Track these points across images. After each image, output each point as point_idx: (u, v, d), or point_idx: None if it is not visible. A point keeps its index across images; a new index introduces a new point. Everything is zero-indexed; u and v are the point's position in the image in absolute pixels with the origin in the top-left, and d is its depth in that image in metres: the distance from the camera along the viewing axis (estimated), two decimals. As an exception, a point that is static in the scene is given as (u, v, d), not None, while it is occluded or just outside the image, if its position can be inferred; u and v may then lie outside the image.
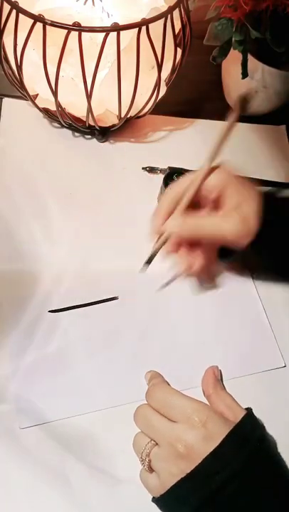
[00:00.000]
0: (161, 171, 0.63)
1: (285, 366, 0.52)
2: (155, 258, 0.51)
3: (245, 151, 0.68)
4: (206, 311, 0.54)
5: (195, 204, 0.49)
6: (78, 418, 0.47)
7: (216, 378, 0.48)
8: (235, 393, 0.48)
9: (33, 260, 0.55)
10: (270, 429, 0.46)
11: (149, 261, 0.51)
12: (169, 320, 0.53)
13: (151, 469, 0.41)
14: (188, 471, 0.38)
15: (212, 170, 0.48)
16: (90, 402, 0.47)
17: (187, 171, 0.59)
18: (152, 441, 0.42)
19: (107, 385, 0.49)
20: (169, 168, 0.62)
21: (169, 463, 0.40)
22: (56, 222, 0.58)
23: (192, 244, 0.51)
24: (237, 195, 0.48)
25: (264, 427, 0.45)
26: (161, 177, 0.60)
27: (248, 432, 0.41)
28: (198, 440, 0.40)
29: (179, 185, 0.49)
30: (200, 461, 0.39)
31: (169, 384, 0.48)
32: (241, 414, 0.43)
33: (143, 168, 0.64)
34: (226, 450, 0.39)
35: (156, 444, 0.41)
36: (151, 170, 0.64)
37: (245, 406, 0.45)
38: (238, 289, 0.56)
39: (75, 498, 0.43)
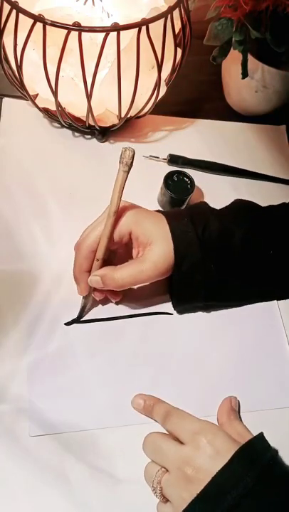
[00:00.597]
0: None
1: None
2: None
3: (245, 151, 0.68)
4: (229, 341, 0.53)
5: (113, 250, 0.50)
6: (78, 418, 0.47)
7: (232, 408, 0.47)
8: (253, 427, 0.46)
9: (33, 260, 0.55)
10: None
11: (79, 317, 0.51)
12: (181, 344, 0.52)
13: (164, 498, 0.41)
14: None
15: (119, 215, 0.48)
16: (90, 402, 0.47)
17: (186, 171, 0.59)
18: (162, 469, 0.41)
19: (108, 385, 0.49)
20: (170, 155, 0.64)
21: (179, 488, 0.39)
22: (56, 222, 0.58)
23: None
24: (146, 236, 0.48)
25: (276, 450, 0.42)
26: (162, 172, 0.59)
27: (259, 449, 0.40)
28: (204, 459, 0.39)
29: (90, 238, 0.48)
30: (209, 481, 0.38)
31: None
32: None
33: (144, 156, 0.64)
34: (237, 467, 0.38)
35: (167, 470, 0.41)
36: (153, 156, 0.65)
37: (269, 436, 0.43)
38: (264, 320, 0.54)
39: (75, 498, 0.43)
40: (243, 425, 0.46)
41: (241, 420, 0.47)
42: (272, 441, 0.42)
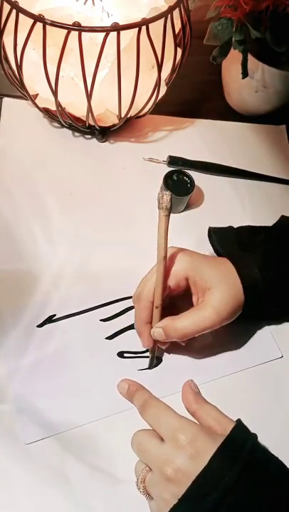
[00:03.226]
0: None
1: (282, 357, 0.52)
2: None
3: (245, 151, 0.68)
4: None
5: (172, 298, 0.49)
6: (78, 418, 0.47)
7: (196, 393, 0.47)
8: (234, 389, 0.48)
9: (33, 260, 0.55)
10: (271, 424, 0.45)
11: (151, 365, 0.50)
12: None
13: (149, 496, 0.41)
14: (180, 496, 0.37)
15: (171, 260, 0.47)
16: (90, 401, 0.47)
17: (186, 170, 0.59)
18: (146, 468, 0.41)
19: (107, 384, 0.48)
20: (169, 157, 0.64)
21: (160, 488, 0.39)
22: (56, 222, 0.58)
23: None
24: (204, 280, 0.47)
25: (256, 435, 0.41)
26: (161, 172, 0.59)
27: (238, 444, 0.40)
28: (185, 460, 0.38)
29: (146, 288, 0.47)
30: (189, 485, 0.37)
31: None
32: (230, 426, 0.42)
33: (144, 159, 0.64)
34: (216, 468, 0.38)
35: (151, 469, 0.41)
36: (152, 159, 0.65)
37: (244, 399, 0.44)
38: None
39: (75, 498, 0.43)
40: (215, 409, 0.45)
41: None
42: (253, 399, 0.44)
